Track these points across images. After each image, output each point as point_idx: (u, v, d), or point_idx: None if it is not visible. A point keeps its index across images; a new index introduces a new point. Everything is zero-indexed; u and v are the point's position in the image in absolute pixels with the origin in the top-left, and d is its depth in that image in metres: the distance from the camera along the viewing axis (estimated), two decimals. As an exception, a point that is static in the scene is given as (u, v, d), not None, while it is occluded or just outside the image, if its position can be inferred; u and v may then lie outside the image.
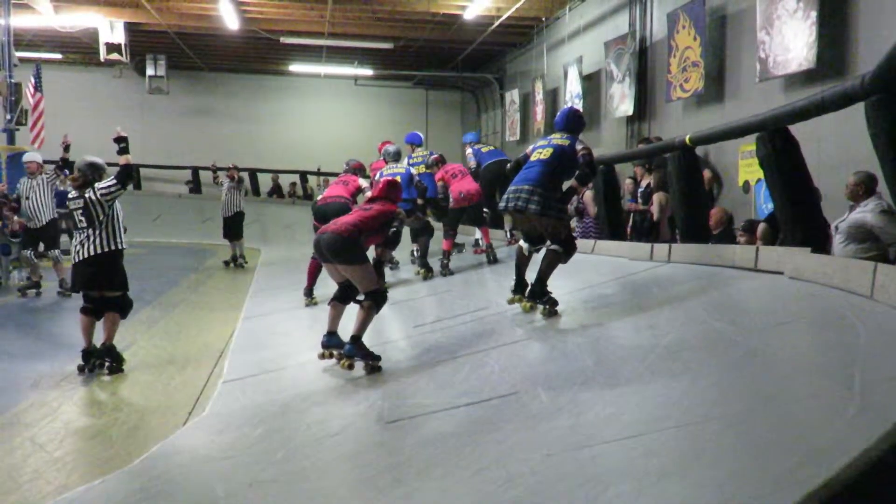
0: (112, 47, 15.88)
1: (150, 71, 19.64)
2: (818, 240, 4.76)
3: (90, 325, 6.16)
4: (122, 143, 6.53)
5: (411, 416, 3.46)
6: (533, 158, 5.46)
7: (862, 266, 3.41)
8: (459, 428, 3.12)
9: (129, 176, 6.34)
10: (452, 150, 23.78)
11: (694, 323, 3.73)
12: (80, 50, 19.05)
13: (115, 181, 6.19)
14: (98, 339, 6.18)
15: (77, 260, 6.12)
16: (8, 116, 13.14)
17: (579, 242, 7.11)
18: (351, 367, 4.89)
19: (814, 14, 7.43)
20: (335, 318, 5.34)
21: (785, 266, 4.20)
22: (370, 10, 15.57)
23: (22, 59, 14.47)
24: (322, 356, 5.24)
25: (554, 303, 5.19)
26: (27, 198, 9.75)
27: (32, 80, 14.21)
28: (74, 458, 4.20)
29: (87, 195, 6.08)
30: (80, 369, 6.03)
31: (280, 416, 4.23)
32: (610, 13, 12.91)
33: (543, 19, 15.43)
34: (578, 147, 5.37)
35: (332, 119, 22.73)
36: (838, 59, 7.45)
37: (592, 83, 13.63)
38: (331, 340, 5.28)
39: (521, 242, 5.59)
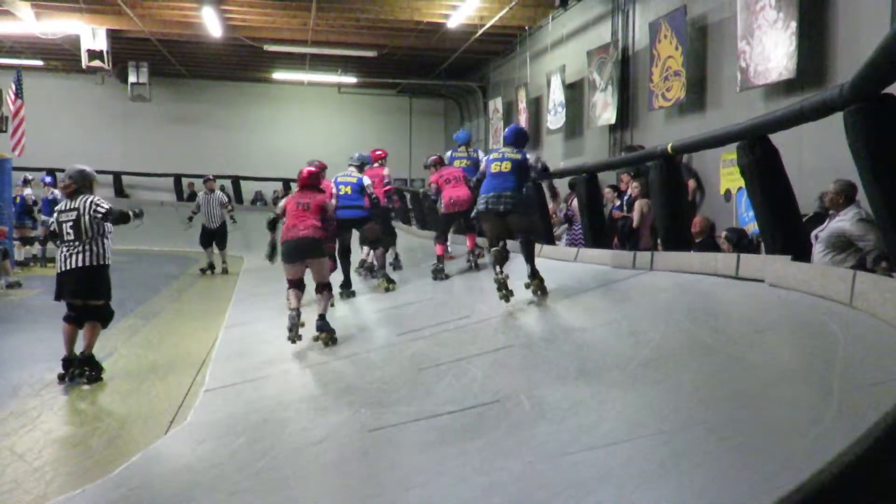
0: (94, 54, 15.76)
1: (132, 78, 19.53)
2: (799, 248, 4.79)
3: (73, 333, 6.16)
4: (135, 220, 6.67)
5: (394, 425, 3.45)
6: (494, 170, 6.34)
7: (841, 274, 3.43)
8: (442, 436, 3.12)
9: (121, 218, 6.31)
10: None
11: (675, 330, 3.74)
12: (61, 57, 18.91)
13: (107, 211, 6.17)
14: (79, 348, 6.14)
15: (63, 269, 6.13)
16: (-12, 124, 13.06)
17: (565, 251, 7.17)
18: (333, 340, 6.13)
19: (794, 24, 7.50)
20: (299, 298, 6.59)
21: (766, 274, 4.22)
22: (353, 18, 15.57)
23: (2, 66, 14.40)
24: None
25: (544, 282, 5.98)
26: None
27: (13, 87, 14.13)
28: (54, 468, 4.16)
29: (79, 209, 6.12)
30: (61, 378, 6.02)
31: (262, 424, 4.21)
32: (592, 22, 12.99)
33: (527, 28, 15.50)
34: (531, 157, 6.49)
35: (316, 127, 22.70)
36: (818, 68, 7.52)
37: (575, 92, 13.69)
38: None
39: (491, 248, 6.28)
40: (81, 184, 6.25)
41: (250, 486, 3.09)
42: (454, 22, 14.57)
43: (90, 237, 6.10)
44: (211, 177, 14.29)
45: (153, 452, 4.12)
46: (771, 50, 7.83)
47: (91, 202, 6.15)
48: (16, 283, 11.22)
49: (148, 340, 7.69)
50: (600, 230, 7.83)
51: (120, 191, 20.92)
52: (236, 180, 21.60)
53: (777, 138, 4.79)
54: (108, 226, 6.23)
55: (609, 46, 12.01)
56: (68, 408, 5.41)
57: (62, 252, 6.16)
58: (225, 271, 13.61)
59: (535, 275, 5.96)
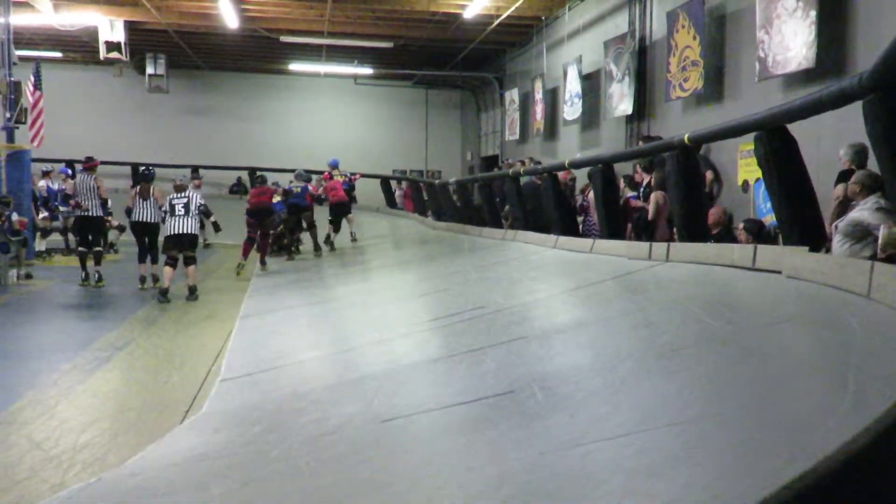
0: (112, 46, 15.88)
1: (150, 69, 19.65)
2: (816, 239, 4.74)
3: (171, 273, 9.91)
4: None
5: (407, 415, 3.46)
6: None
7: (859, 265, 3.40)
8: (455, 426, 3.12)
9: (207, 215, 12.94)
10: (452, 147, 23.83)
11: (690, 322, 3.71)
12: (79, 48, 19.05)
13: (205, 206, 11.32)
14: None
15: (173, 232, 10.05)
16: (7, 115, 13.14)
17: (580, 242, 7.15)
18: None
19: (813, 13, 7.42)
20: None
21: (783, 265, 4.18)
22: (370, 9, 15.57)
23: (22, 58, 14.47)
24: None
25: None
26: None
27: (32, 79, 14.22)
28: (71, 456, 4.20)
29: (189, 197, 10.26)
30: (161, 301, 9.53)
31: (276, 414, 4.23)
32: (609, 12, 12.91)
33: (543, 18, 15.43)
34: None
35: (333, 118, 22.74)
36: (838, 58, 7.44)
37: (592, 82, 13.64)
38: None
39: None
40: (186, 185, 10.84)
41: (264, 476, 3.10)
42: (470, 12, 14.54)
43: (191, 214, 10.16)
44: (200, 176, 16.65)
45: (169, 441, 4.14)
46: (790, 39, 7.76)
47: (197, 195, 10.53)
48: (27, 275, 11.30)
49: (165, 330, 7.75)
50: (616, 221, 7.79)
51: (137, 182, 21.01)
52: (253, 171, 21.65)
53: (795, 128, 4.75)
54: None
55: (626, 36, 11.95)
56: (86, 397, 5.45)
57: (173, 222, 10.07)
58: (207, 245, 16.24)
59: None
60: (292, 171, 21.19)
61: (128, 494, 3.39)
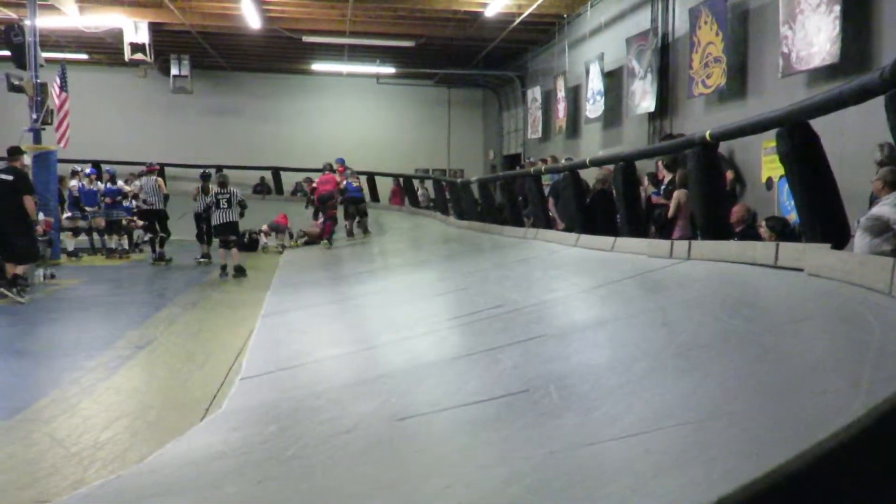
0: (136, 47, 16.04)
1: (174, 70, 19.82)
2: (839, 236, 4.67)
3: (225, 255, 12.27)
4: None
5: (422, 414, 3.45)
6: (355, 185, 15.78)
7: (881, 263, 3.34)
8: (469, 426, 3.11)
9: (245, 207, 12.91)
10: (474, 146, 23.81)
11: (709, 320, 3.67)
12: (104, 50, 19.26)
13: (244, 200, 12.92)
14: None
15: (219, 223, 12.46)
16: (34, 116, 13.32)
17: (601, 240, 7.09)
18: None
19: (837, 8, 7.32)
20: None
21: (805, 263, 4.12)
22: (391, 9, 15.59)
23: (48, 60, 14.66)
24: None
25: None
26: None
27: (58, 81, 14.40)
28: (91, 454, 4.24)
29: (231, 192, 12.57)
30: (221, 276, 12.00)
31: (293, 412, 4.24)
32: (631, 9, 12.84)
33: (565, 16, 15.37)
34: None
35: (355, 117, 22.80)
36: (862, 53, 7.34)
37: (614, 80, 13.56)
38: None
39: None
40: (228, 181, 12.81)
41: (278, 474, 3.11)
42: (492, 11, 14.51)
43: (233, 206, 12.39)
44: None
45: (187, 439, 4.17)
46: (814, 34, 7.66)
47: (237, 190, 12.77)
48: (52, 275, 11.43)
49: (187, 329, 7.81)
50: (637, 219, 7.73)
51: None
52: (276, 171, 21.76)
53: (818, 124, 4.68)
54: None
55: (648, 33, 11.87)
56: (107, 395, 5.50)
57: (218, 214, 12.45)
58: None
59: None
60: (316, 171, 21.50)
61: (145, 492, 3.42)
